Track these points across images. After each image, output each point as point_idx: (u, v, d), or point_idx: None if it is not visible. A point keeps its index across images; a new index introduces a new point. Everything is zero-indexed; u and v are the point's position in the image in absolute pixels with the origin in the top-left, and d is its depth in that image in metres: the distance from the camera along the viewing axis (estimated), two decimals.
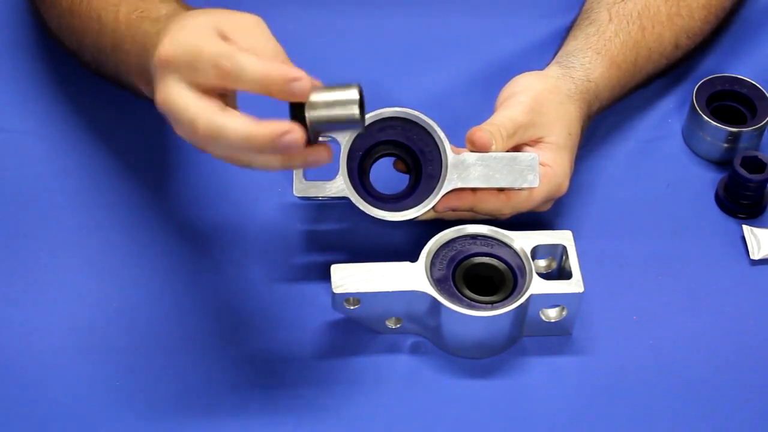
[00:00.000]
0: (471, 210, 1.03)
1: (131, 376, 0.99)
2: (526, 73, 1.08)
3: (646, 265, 1.07)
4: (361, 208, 1.02)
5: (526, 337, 1.03)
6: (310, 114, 0.87)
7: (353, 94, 0.88)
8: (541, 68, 1.10)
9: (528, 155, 1.02)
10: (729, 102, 1.15)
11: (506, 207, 1.03)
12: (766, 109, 1.13)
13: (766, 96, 1.14)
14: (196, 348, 1.01)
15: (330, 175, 1.02)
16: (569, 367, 1.01)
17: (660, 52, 1.14)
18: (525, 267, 1.00)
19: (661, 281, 1.06)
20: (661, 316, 1.04)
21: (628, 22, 1.13)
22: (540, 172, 1.02)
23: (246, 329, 1.02)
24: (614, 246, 1.08)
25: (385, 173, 1.05)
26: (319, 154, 0.88)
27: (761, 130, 1.13)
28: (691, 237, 1.09)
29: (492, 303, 0.99)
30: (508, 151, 1.02)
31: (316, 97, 0.87)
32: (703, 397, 1.00)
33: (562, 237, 1.02)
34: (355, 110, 0.87)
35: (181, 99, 0.86)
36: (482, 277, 1.01)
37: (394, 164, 1.05)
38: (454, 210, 1.03)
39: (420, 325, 1.01)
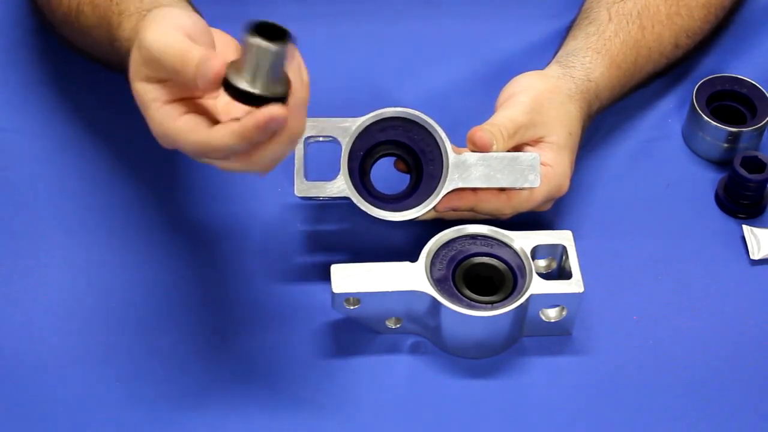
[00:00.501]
0: (472, 210, 1.03)
1: (131, 376, 0.99)
2: (527, 73, 1.08)
3: (646, 265, 1.07)
4: (362, 208, 1.02)
5: (526, 337, 1.03)
6: (259, 91, 0.84)
7: (253, 42, 0.83)
8: (541, 68, 1.10)
9: (529, 155, 1.02)
10: (729, 102, 1.15)
11: (507, 207, 1.03)
12: (766, 109, 1.13)
13: (766, 96, 1.14)
14: (196, 347, 1.01)
15: (331, 175, 1.02)
16: (569, 367, 1.01)
17: (660, 51, 1.14)
18: (525, 267, 1.00)
19: (661, 281, 1.06)
20: (661, 316, 1.04)
21: (627, 22, 1.13)
22: (540, 172, 1.02)
23: (246, 329, 1.02)
24: (614, 246, 1.08)
25: (385, 173, 1.05)
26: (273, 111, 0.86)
27: (761, 130, 1.13)
28: (691, 237, 1.09)
29: (492, 303, 0.99)
30: (508, 151, 1.02)
31: (243, 80, 0.84)
32: (703, 397, 1.00)
33: (562, 237, 1.02)
34: (269, 47, 0.83)
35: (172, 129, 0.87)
36: (482, 277, 1.01)
37: (395, 164, 1.05)
38: (454, 210, 1.03)
39: (420, 325, 1.01)
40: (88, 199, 1.09)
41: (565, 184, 1.05)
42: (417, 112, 1.02)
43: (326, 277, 0.98)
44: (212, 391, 0.99)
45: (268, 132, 0.84)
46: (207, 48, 0.86)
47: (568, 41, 1.13)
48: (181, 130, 0.86)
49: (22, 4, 1.21)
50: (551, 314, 1.01)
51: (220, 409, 0.98)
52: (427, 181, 1.02)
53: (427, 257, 1.00)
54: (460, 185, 1.01)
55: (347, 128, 1.02)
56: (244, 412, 0.98)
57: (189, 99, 0.88)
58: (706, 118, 1.13)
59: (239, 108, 0.86)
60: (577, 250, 1.01)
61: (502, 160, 1.01)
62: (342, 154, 1.02)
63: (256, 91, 0.84)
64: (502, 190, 1.02)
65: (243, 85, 0.84)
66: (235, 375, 1.00)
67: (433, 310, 0.99)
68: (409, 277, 0.98)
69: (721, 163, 1.14)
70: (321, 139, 1.03)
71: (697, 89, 1.14)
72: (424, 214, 1.02)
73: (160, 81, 0.87)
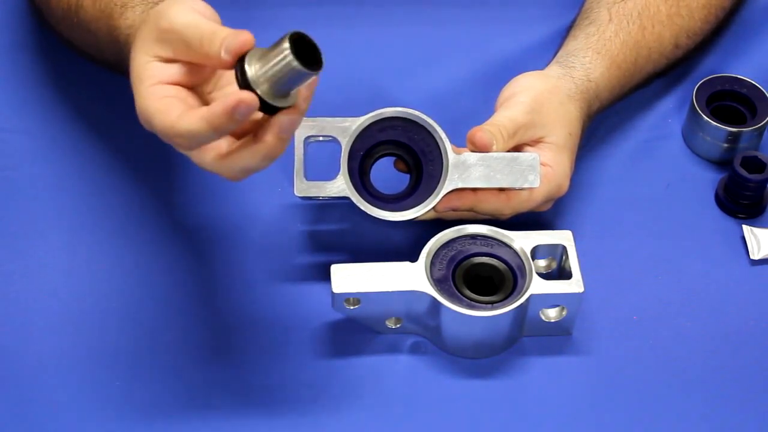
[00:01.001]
0: (471, 210, 1.03)
1: (131, 376, 0.99)
2: (527, 73, 1.08)
3: (646, 265, 1.07)
4: (362, 208, 1.02)
5: (526, 337, 1.03)
6: (261, 90, 0.84)
7: (284, 46, 0.83)
8: (541, 68, 1.10)
9: (529, 155, 1.02)
10: (729, 102, 1.15)
11: (507, 207, 1.03)
12: (766, 109, 1.13)
13: (766, 96, 1.14)
14: (196, 348, 1.01)
15: (331, 175, 1.02)
16: (569, 367, 1.01)
17: (660, 51, 1.14)
18: (525, 267, 1.00)
19: (661, 281, 1.06)
20: (661, 316, 1.04)
21: (628, 22, 1.13)
22: (540, 172, 1.02)
23: (246, 329, 1.02)
24: (614, 246, 1.08)
25: (385, 173, 1.05)
26: (292, 114, 0.87)
27: (761, 130, 1.13)
28: (691, 237, 1.09)
29: (492, 303, 0.99)
30: (508, 151, 1.02)
31: (254, 69, 0.84)
32: (703, 397, 1.00)
33: (562, 237, 1.02)
34: (291, 62, 0.83)
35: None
36: (482, 277, 1.01)
37: (395, 164, 1.05)
38: (454, 210, 1.03)
39: (420, 325, 1.01)
40: (88, 199, 1.09)
41: (565, 185, 1.05)
42: (417, 112, 1.02)
43: (326, 277, 0.98)
44: (212, 390, 0.99)
45: (236, 119, 0.83)
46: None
47: (568, 41, 1.13)
48: (155, 109, 0.86)
49: (22, 4, 1.21)
50: (551, 314, 1.01)
51: (220, 409, 0.98)
52: (427, 181, 1.02)
53: (427, 257, 1.00)
54: (460, 185, 1.01)
55: (347, 128, 1.02)
56: (244, 412, 0.98)
57: (186, 87, 0.88)
58: (706, 118, 1.13)
59: None
60: (577, 250, 1.01)
61: (501, 160, 1.01)
62: (342, 154, 1.02)
63: (257, 89, 0.84)
64: (501, 190, 1.02)
65: (251, 75, 0.84)
66: (235, 375, 1.00)
67: (433, 310, 0.99)
68: (409, 277, 0.98)
69: (721, 163, 1.14)
70: (321, 138, 1.03)
71: (697, 89, 1.14)
72: (423, 214, 1.02)
73: (167, 60, 0.87)
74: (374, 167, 1.04)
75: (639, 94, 1.17)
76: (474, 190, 1.02)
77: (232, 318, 1.03)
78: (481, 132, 1.01)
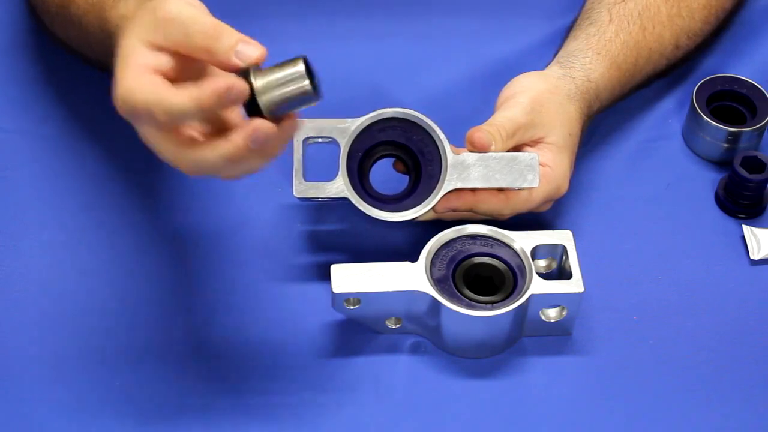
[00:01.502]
0: (471, 210, 1.03)
1: (130, 376, 0.99)
2: (527, 73, 1.08)
3: (646, 265, 1.07)
4: (361, 208, 1.02)
5: (526, 337, 1.03)
6: (261, 100, 0.85)
7: (299, 68, 0.85)
8: (541, 68, 1.11)
9: (528, 155, 1.02)
10: (729, 102, 1.15)
11: (506, 207, 1.03)
12: (766, 109, 1.13)
13: (766, 96, 1.14)
14: (196, 348, 1.01)
15: (330, 175, 1.02)
16: (569, 367, 1.01)
17: (660, 52, 1.14)
18: (525, 267, 1.00)
19: (661, 281, 1.06)
20: (661, 316, 1.04)
21: (628, 23, 1.13)
22: (540, 172, 1.02)
23: (246, 329, 1.02)
24: (614, 246, 1.08)
25: (384, 174, 1.05)
26: (286, 129, 0.87)
27: (761, 130, 1.13)
28: (691, 237, 1.09)
29: (492, 303, 0.99)
30: (508, 152, 1.02)
31: (262, 81, 0.85)
32: (703, 397, 1.00)
33: (562, 237, 1.02)
34: (305, 85, 0.85)
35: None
36: (482, 277, 1.01)
37: (394, 165, 1.05)
38: (454, 210, 1.03)
39: (420, 325, 1.01)
40: (88, 199, 1.09)
41: (565, 185, 1.05)
42: (416, 113, 1.02)
43: (326, 277, 0.98)
44: (212, 390, 0.99)
45: (224, 102, 0.83)
46: None
47: (568, 42, 1.13)
48: (140, 83, 0.85)
49: (22, 4, 1.21)
50: (551, 314, 1.01)
51: (220, 409, 0.98)
52: (426, 182, 1.02)
53: (427, 257, 1.00)
54: (459, 185, 1.01)
55: (346, 129, 1.02)
56: (244, 412, 0.98)
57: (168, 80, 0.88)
58: (706, 118, 1.13)
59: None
60: (577, 250, 1.01)
61: (500, 160, 1.01)
62: (341, 155, 1.02)
63: (259, 99, 0.85)
64: (501, 190, 1.02)
65: (257, 86, 0.85)
66: (235, 375, 1.00)
67: (433, 310, 0.99)
68: (409, 277, 0.98)
69: (721, 163, 1.14)
70: (320, 139, 1.03)
71: (697, 89, 1.14)
72: (423, 215, 1.02)
73: (158, 48, 0.86)
74: (373, 168, 1.04)
75: (639, 94, 1.17)
76: (473, 190, 1.02)
77: (232, 318, 1.03)
78: (480, 132, 1.01)
